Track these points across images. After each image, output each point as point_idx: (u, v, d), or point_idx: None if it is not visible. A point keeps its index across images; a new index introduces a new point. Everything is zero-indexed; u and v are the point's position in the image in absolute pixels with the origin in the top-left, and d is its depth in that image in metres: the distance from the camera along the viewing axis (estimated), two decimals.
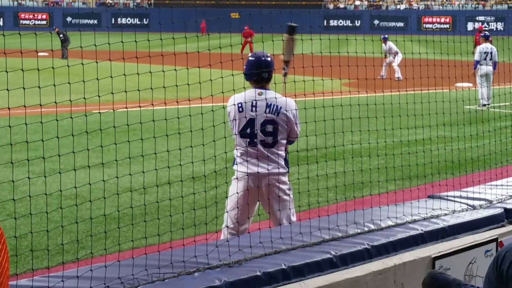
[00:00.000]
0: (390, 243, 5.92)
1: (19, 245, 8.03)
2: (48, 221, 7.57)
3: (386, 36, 34.92)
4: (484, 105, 23.55)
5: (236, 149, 6.87)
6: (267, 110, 6.76)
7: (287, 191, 6.91)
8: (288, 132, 6.86)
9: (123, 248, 7.50)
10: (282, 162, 6.87)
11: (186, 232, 6.56)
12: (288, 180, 7.00)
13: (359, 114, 9.39)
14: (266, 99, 6.76)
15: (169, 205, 8.60)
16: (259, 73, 6.83)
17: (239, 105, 6.77)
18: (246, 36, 46.60)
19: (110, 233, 8.16)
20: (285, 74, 7.33)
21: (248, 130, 6.75)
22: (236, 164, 6.85)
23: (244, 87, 7.06)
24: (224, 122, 7.05)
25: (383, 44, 33.85)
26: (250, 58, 7.03)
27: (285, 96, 7.03)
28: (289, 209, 6.94)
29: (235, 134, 6.86)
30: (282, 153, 6.88)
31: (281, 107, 6.78)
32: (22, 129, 7.64)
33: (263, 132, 6.74)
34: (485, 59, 24.55)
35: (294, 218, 6.98)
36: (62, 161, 8.24)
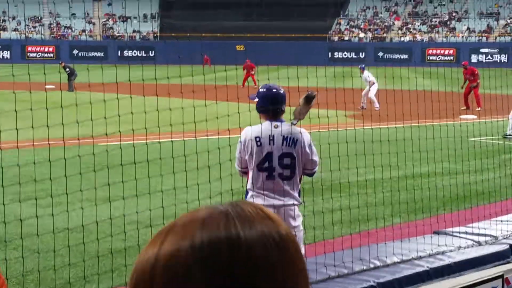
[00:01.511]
0: (396, 280, 5.94)
1: (26, 280, 8.06)
2: (55, 255, 7.60)
3: (363, 65, 35.31)
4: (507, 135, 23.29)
5: (252, 182, 6.87)
6: (284, 143, 6.78)
7: (300, 226, 6.93)
8: (304, 164, 6.88)
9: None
10: (297, 195, 6.90)
11: None
12: (299, 212, 7.02)
13: (364, 146, 9.43)
14: (282, 131, 6.79)
15: None
16: (274, 106, 6.86)
17: (257, 139, 6.78)
18: (247, 68, 46.81)
19: (116, 267, 8.17)
20: (291, 124, 7.35)
21: (266, 164, 6.77)
22: (251, 197, 6.86)
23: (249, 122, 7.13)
24: (230, 160, 7.09)
25: (361, 74, 34.02)
26: (262, 91, 7.03)
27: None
28: (300, 238, 6.96)
29: (250, 168, 6.85)
30: (298, 185, 6.91)
31: (297, 139, 6.82)
32: (29, 161, 7.71)
33: (281, 165, 6.77)
34: None
35: (302, 251, 7.01)
36: (69, 195, 8.29)
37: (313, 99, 7.23)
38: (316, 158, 6.96)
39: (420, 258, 6.37)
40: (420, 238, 6.86)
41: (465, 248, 6.74)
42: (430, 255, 6.45)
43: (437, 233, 7.25)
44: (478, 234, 7.12)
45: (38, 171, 8.18)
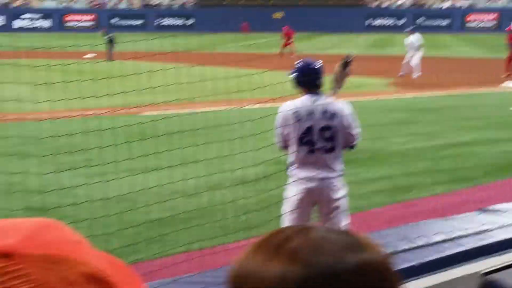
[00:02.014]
0: (440, 259, 5.93)
1: None
2: (100, 225, 7.72)
3: (412, 27, 33.29)
4: None
5: (294, 156, 6.91)
6: (324, 116, 6.81)
7: (343, 198, 6.95)
8: (346, 135, 6.89)
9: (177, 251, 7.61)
10: (340, 166, 6.92)
11: (237, 236, 6.63)
12: (344, 182, 7.04)
13: (405, 115, 9.38)
14: (322, 105, 6.81)
15: (217, 209, 8.69)
16: (312, 80, 6.88)
17: (296, 113, 6.82)
18: (286, 36, 45.59)
19: (156, 238, 8.27)
20: (331, 94, 7.33)
21: (307, 138, 6.81)
22: (293, 169, 6.91)
23: (289, 92, 7.11)
24: (270, 130, 7.10)
25: (408, 36, 31.14)
26: (300, 65, 7.05)
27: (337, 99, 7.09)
28: (344, 215, 6.98)
29: (290, 142, 6.89)
30: (340, 158, 6.93)
31: (336, 112, 6.83)
32: (74, 131, 7.80)
33: (322, 138, 6.79)
34: None
35: (347, 222, 7.03)
36: (109, 164, 8.39)
37: (349, 64, 7.20)
38: (357, 130, 6.96)
39: (463, 237, 6.34)
40: (463, 216, 6.85)
41: (509, 226, 6.70)
42: (474, 234, 6.41)
43: (482, 210, 7.21)
44: None
45: (80, 141, 8.28)
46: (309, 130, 6.80)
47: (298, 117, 6.79)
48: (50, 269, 0.94)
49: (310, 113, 6.80)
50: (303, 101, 6.87)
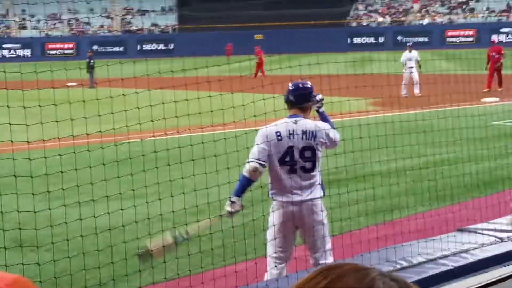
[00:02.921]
0: (422, 279, 6.01)
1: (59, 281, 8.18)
2: (84, 255, 7.73)
3: (411, 43, 33.71)
4: None
5: (273, 178, 6.98)
6: (304, 137, 6.92)
7: (324, 220, 7.03)
8: (328, 145, 7.07)
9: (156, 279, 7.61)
10: (319, 187, 7.00)
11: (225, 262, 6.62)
12: (324, 205, 7.12)
13: (385, 134, 9.46)
14: (303, 124, 6.94)
15: (203, 235, 8.68)
16: (300, 103, 7.04)
17: (278, 133, 6.91)
18: (257, 56, 44.62)
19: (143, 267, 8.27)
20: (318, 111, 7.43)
21: (288, 158, 6.89)
22: (274, 194, 6.97)
23: (273, 112, 7.19)
24: (247, 147, 7.15)
25: (408, 52, 31.64)
26: (290, 85, 7.21)
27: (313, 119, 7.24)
28: (326, 236, 7.04)
29: (270, 162, 6.95)
30: (319, 177, 7.02)
31: (317, 131, 6.95)
32: (55, 161, 7.80)
33: (302, 158, 6.89)
34: None
35: (329, 246, 7.09)
36: (95, 193, 8.40)
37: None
38: (336, 135, 7.10)
39: (444, 257, 6.42)
40: (444, 236, 6.94)
41: (488, 245, 6.78)
42: (454, 254, 6.50)
43: (461, 230, 7.31)
44: (501, 230, 7.16)
45: (64, 170, 8.28)
46: (290, 149, 6.89)
47: (279, 137, 6.88)
48: None
49: (291, 133, 6.90)
50: (283, 122, 6.98)
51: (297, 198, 6.86)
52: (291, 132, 6.93)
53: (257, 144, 7.00)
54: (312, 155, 6.96)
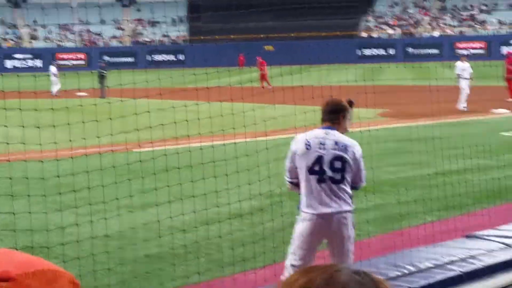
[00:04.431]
0: (429, 285, 6.04)
1: None
2: (94, 263, 7.80)
3: (465, 53, 32.03)
4: None
5: (304, 188, 6.97)
6: (335, 147, 6.91)
7: (352, 234, 6.98)
8: (354, 173, 6.96)
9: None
10: (349, 199, 6.96)
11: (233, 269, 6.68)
12: (353, 220, 7.06)
13: (395, 145, 9.50)
14: (334, 135, 6.95)
15: (212, 243, 8.76)
16: (331, 117, 7.07)
17: (307, 142, 6.94)
18: (260, 67, 44.91)
19: (154, 273, 8.35)
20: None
21: (317, 167, 6.90)
22: (303, 204, 6.97)
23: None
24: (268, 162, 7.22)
25: (462, 62, 29.17)
26: (326, 101, 7.32)
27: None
28: (350, 251, 7.00)
29: (300, 172, 6.97)
30: (349, 189, 6.97)
31: (349, 145, 6.95)
32: (67, 171, 7.88)
33: (332, 169, 6.88)
34: None
35: (352, 258, 7.06)
36: (106, 203, 8.48)
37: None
38: (364, 172, 7.04)
39: (452, 262, 6.45)
40: (451, 242, 6.97)
41: (495, 251, 6.82)
42: (462, 260, 6.53)
43: (468, 236, 7.34)
44: (508, 237, 7.20)
45: (76, 180, 8.37)
46: (319, 159, 6.89)
47: (308, 146, 6.90)
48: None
49: (321, 143, 6.91)
50: (314, 132, 7.02)
51: (326, 210, 6.83)
52: (322, 142, 6.94)
53: (288, 157, 7.07)
54: (342, 166, 6.93)
